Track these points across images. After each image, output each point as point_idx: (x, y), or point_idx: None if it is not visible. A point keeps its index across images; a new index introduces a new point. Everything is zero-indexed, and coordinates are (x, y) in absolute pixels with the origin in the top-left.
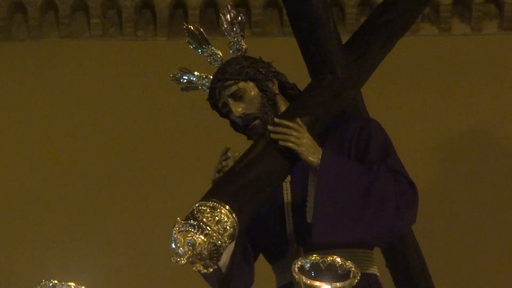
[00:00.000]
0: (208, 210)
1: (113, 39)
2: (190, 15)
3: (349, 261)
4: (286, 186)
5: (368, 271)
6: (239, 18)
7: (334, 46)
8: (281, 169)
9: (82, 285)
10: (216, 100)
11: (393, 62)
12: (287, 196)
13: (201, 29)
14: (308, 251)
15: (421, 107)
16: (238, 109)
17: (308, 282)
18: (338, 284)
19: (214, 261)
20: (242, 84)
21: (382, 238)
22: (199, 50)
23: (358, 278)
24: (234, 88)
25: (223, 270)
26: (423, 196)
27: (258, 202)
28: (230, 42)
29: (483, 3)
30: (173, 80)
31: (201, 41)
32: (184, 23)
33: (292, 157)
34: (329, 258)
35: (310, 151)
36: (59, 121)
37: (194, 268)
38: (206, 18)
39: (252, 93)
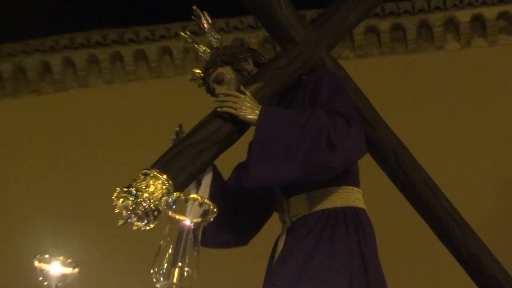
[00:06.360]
0: (141, 177)
1: None
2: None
3: (206, 199)
4: None
5: (343, 205)
6: (207, 18)
7: (285, 15)
8: (224, 132)
9: (69, 259)
10: (208, 89)
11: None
12: None
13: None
14: (289, 197)
15: None
16: (221, 91)
17: (171, 215)
18: (195, 219)
19: (151, 218)
20: (220, 70)
21: (318, 173)
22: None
23: (215, 214)
24: (214, 74)
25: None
26: None
27: (201, 163)
28: (209, 37)
29: None
30: (191, 79)
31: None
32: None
33: (236, 120)
34: (189, 196)
35: (249, 112)
36: None
37: (134, 227)
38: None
39: (230, 75)
